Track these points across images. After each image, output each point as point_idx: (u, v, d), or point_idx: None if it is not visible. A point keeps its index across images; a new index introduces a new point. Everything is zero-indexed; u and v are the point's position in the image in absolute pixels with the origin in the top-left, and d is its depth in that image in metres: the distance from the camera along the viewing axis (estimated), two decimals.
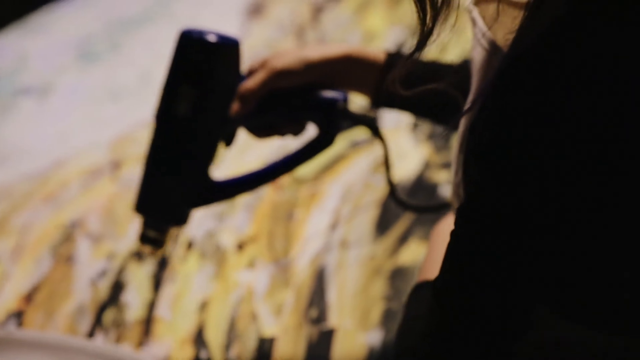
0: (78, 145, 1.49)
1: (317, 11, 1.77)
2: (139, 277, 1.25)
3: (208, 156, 1.02)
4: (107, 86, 1.62)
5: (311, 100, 1.04)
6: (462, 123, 0.87)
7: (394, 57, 1.05)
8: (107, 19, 1.81)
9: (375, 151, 1.45)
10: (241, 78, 1.02)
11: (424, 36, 0.80)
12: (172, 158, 1.01)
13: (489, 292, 0.75)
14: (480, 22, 0.89)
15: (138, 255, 1.28)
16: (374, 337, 1.16)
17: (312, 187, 1.40)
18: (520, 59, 0.70)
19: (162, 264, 1.26)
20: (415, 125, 1.48)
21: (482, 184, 0.73)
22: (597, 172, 0.70)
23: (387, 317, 1.18)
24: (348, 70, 1.04)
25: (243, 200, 1.37)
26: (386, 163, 1.06)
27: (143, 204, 1.04)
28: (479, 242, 0.75)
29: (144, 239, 1.04)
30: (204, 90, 0.99)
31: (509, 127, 0.70)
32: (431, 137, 1.47)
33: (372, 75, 1.05)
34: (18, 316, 1.18)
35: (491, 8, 0.89)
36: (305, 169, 1.42)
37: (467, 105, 0.87)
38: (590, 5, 0.69)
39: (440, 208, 1.21)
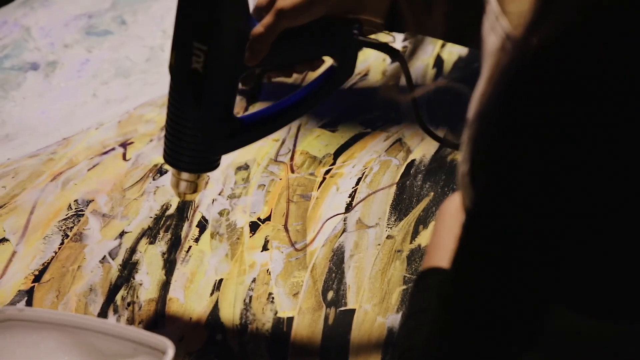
0: (85, 123, 1.45)
1: None
2: (151, 257, 1.22)
3: (228, 102, 1.01)
4: (114, 63, 1.58)
5: (325, 35, 1.02)
6: (472, 110, 0.85)
7: None
8: None
9: (390, 133, 1.42)
10: (251, 21, 0.99)
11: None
12: (192, 110, 1.00)
13: (500, 298, 0.74)
14: (493, 1, 0.87)
15: (150, 235, 1.25)
16: (393, 319, 1.13)
17: (328, 167, 1.37)
18: (533, 61, 0.68)
19: (175, 244, 1.23)
20: (430, 108, 1.45)
21: (491, 191, 0.71)
22: (609, 182, 0.67)
23: (406, 301, 1.15)
24: None
25: (257, 180, 1.34)
26: (409, 84, 1.05)
27: (172, 156, 1.04)
28: (487, 248, 0.72)
29: (177, 184, 1.05)
30: (213, 44, 0.96)
31: (520, 134, 0.68)
32: (447, 119, 1.44)
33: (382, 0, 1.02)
34: (28, 294, 1.15)
35: None
36: (321, 150, 1.39)
37: (476, 93, 0.85)
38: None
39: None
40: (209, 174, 1.09)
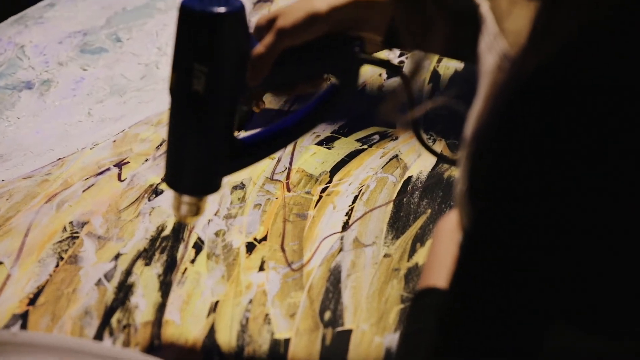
0: (80, 142, 1.45)
1: None
2: (147, 279, 1.21)
3: (230, 123, 1.00)
4: (109, 81, 1.57)
5: (327, 53, 1.01)
6: (469, 130, 0.84)
7: None
8: (108, 11, 1.76)
9: (387, 150, 1.41)
10: (252, 41, 0.99)
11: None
12: (194, 132, 0.99)
13: (498, 322, 0.73)
14: (490, 19, 0.87)
15: (146, 257, 1.24)
16: (391, 339, 1.12)
17: (325, 185, 1.36)
18: (531, 81, 0.68)
19: (171, 266, 1.22)
20: (428, 124, 1.45)
21: (489, 211, 0.71)
22: (608, 202, 0.67)
23: (403, 320, 1.14)
24: (358, 15, 1.01)
25: (253, 200, 1.33)
26: (410, 101, 1.03)
27: (173, 178, 1.03)
28: (486, 271, 0.72)
29: (178, 207, 1.04)
30: (215, 65, 0.96)
31: (518, 159, 0.68)
32: (444, 136, 1.43)
33: (382, 16, 1.02)
34: (23, 318, 1.14)
35: (503, 3, 0.87)
36: (317, 168, 1.38)
37: (473, 112, 0.84)
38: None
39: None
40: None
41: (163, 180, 1.04)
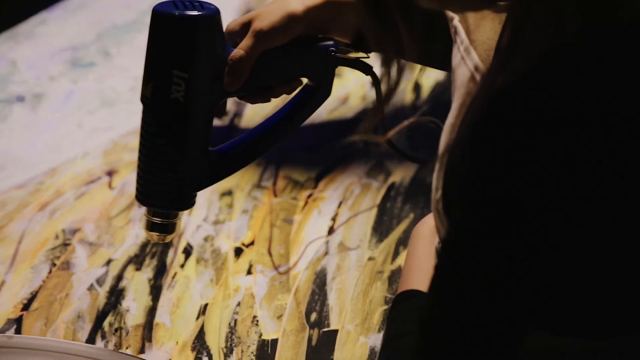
0: (71, 153, 1.48)
1: None
2: (137, 283, 1.24)
3: (206, 132, 0.98)
4: (99, 93, 1.61)
5: (303, 55, 1.01)
6: (443, 141, 0.87)
7: None
8: (98, 26, 1.80)
9: (371, 155, 1.45)
10: (227, 46, 0.97)
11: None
12: (171, 143, 0.96)
13: (476, 327, 0.76)
14: (461, 31, 0.90)
15: (136, 262, 1.27)
16: (375, 339, 1.15)
17: (310, 191, 1.39)
18: (502, 96, 0.70)
19: (161, 270, 1.26)
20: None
21: (464, 223, 0.73)
22: (579, 209, 0.70)
23: (386, 320, 1.18)
24: (332, 16, 1.01)
25: (241, 206, 1.36)
26: (379, 102, 1.02)
27: (145, 194, 0.99)
28: (463, 279, 0.74)
29: (151, 226, 1.00)
30: (195, 71, 0.94)
31: (491, 172, 0.70)
32: (424, 144, 1.47)
33: (351, 18, 1.01)
34: (17, 323, 1.18)
35: (471, 17, 0.90)
36: (303, 174, 1.42)
37: (447, 123, 0.87)
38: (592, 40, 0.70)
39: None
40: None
41: (135, 197, 1.00)
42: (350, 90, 1.58)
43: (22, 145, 1.50)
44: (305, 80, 1.04)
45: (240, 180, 1.41)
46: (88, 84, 1.64)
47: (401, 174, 1.41)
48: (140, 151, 0.97)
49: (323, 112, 1.56)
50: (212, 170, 1.00)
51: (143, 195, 0.99)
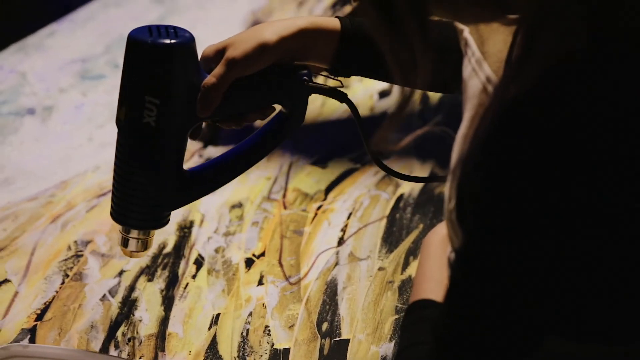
0: (82, 166, 1.49)
1: None
2: (149, 294, 1.25)
3: (178, 155, 1.00)
4: (109, 106, 1.62)
5: (275, 82, 1.02)
6: (455, 151, 0.88)
7: (347, 23, 1.03)
8: (106, 38, 1.81)
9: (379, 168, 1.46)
10: (201, 73, 0.99)
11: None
12: (143, 165, 0.99)
13: (491, 335, 0.77)
14: (473, 43, 0.91)
15: (148, 273, 1.28)
16: (387, 348, 1.17)
17: (320, 203, 1.41)
18: (514, 107, 0.72)
19: (173, 281, 1.27)
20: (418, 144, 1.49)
21: (478, 234, 0.75)
22: (593, 227, 0.71)
23: (398, 330, 1.19)
24: (306, 45, 1.02)
25: (251, 218, 1.38)
26: (360, 126, 1.04)
27: (120, 213, 1.02)
28: (479, 289, 0.76)
29: (126, 243, 1.04)
30: (166, 98, 0.96)
31: (504, 182, 0.71)
32: (433, 155, 1.49)
33: (329, 46, 1.03)
34: (31, 333, 1.19)
35: (482, 29, 0.91)
36: (312, 186, 1.43)
37: (459, 134, 0.88)
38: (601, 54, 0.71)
39: (423, 180, 1.20)
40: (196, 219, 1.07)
41: (110, 215, 1.04)
42: (358, 102, 1.59)
43: (32, 158, 1.51)
44: (278, 107, 1.05)
45: (250, 192, 1.42)
46: (98, 96, 1.65)
47: (410, 186, 1.42)
48: (115, 171, 1.01)
49: (332, 125, 1.58)
50: (184, 191, 1.03)
51: (117, 214, 1.03)
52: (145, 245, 1.04)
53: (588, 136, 0.69)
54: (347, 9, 1.92)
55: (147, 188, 1.00)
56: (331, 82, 1.05)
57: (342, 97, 1.03)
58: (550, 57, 0.71)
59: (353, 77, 1.08)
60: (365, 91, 1.59)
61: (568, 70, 0.71)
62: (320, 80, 1.06)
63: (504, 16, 0.80)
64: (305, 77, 1.01)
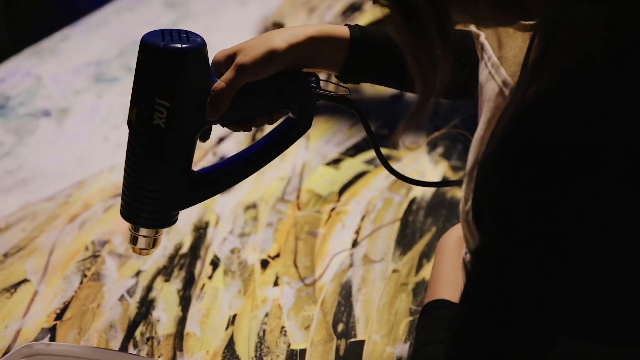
0: (98, 167, 1.51)
1: None
2: (167, 294, 1.27)
3: (187, 156, 1.02)
4: (124, 108, 1.64)
5: (284, 88, 1.04)
6: (472, 153, 0.89)
7: (357, 31, 1.05)
8: (119, 42, 1.84)
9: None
10: (211, 77, 1.01)
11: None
12: (152, 166, 1.01)
13: (508, 334, 0.78)
14: (489, 48, 0.93)
15: (165, 273, 1.30)
16: (402, 349, 1.18)
17: (334, 205, 1.43)
18: (532, 109, 0.73)
19: (189, 282, 1.29)
20: (431, 146, 1.52)
21: (495, 235, 0.76)
22: (610, 227, 0.73)
23: (413, 331, 1.21)
24: (315, 52, 1.03)
25: (266, 219, 1.40)
26: (368, 132, 1.06)
27: (130, 212, 1.04)
28: (495, 289, 0.77)
29: (135, 241, 1.06)
30: (176, 101, 0.98)
31: (522, 183, 0.72)
32: (446, 157, 1.50)
33: (338, 53, 1.05)
34: (51, 332, 1.20)
35: (499, 33, 0.93)
36: (326, 188, 1.45)
37: (475, 137, 0.90)
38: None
39: (434, 185, 1.23)
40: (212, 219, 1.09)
41: (120, 213, 1.06)
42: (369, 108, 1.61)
43: (49, 159, 1.53)
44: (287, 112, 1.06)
45: (264, 193, 1.44)
46: (112, 99, 1.67)
47: (422, 189, 1.44)
48: (125, 171, 1.03)
49: (344, 127, 1.60)
50: (192, 192, 1.05)
51: (127, 212, 1.05)
52: (153, 243, 1.07)
53: (607, 138, 0.71)
54: (358, 16, 1.94)
55: (156, 188, 1.02)
56: (341, 89, 1.07)
57: (350, 104, 1.05)
58: (569, 59, 0.72)
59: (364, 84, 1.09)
60: (377, 94, 1.61)
61: (586, 73, 0.72)
62: (330, 87, 1.08)
63: (524, 19, 0.82)
64: (313, 84, 1.03)
